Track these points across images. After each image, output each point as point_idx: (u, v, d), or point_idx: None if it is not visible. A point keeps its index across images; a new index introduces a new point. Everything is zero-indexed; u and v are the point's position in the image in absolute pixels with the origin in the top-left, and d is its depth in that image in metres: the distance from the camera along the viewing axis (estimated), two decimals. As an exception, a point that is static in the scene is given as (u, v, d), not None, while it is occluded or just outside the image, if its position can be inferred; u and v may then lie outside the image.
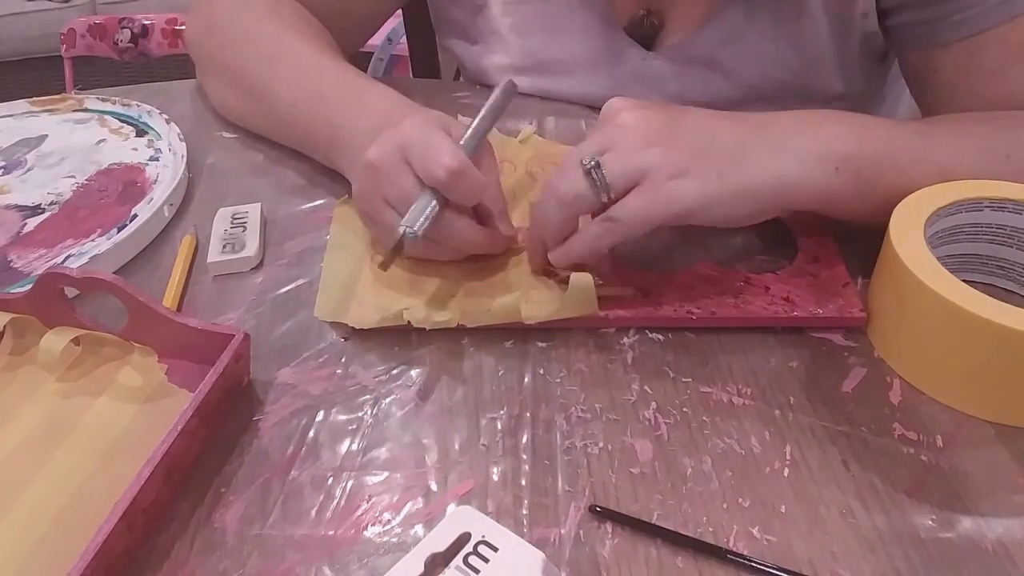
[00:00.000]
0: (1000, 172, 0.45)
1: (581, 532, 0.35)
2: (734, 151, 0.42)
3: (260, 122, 0.63)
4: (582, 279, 0.43)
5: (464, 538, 0.32)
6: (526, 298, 0.45)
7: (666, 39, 0.62)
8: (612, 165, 0.41)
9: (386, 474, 0.38)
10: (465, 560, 0.31)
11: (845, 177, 0.43)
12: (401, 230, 0.42)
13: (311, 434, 0.40)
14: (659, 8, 0.61)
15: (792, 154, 0.42)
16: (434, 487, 0.37)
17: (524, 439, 0.39)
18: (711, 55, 0.60)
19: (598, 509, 0.35)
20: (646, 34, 0.62)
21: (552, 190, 0.43)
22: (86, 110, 0.70)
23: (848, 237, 0.49)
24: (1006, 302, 0.37)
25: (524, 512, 0.36)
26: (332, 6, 0.67)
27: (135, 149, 0.64)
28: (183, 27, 1.21)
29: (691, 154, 0.41)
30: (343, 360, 0.44)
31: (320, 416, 0.41)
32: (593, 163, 0.40)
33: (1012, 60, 0.50)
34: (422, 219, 0.43)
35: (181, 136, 0.62)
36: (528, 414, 0.40)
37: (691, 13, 0.60)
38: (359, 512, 0.36)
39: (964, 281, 0.38)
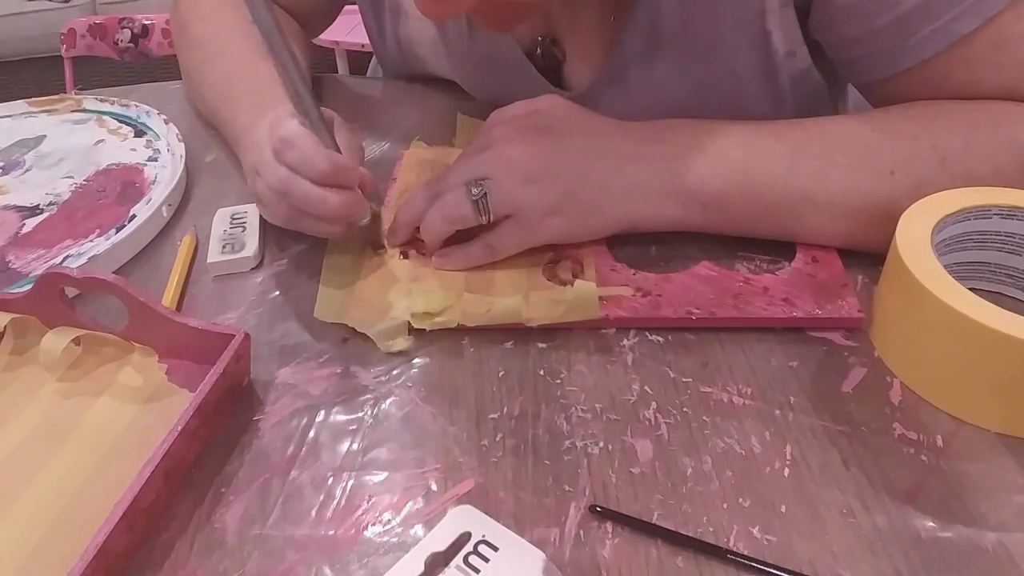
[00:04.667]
0: (879, 190, 0.45)
1: (581, 532, 0.35)
2: (597, 194, 0.47)
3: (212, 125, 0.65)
4: (586, 287, 0.43)
5: (464, 538, 0.32)
6: (527, 300, 0.45)
7: (571, 75, 0.61)
8: (495, 197, 0.46)
9: (386, 474, 0.38)
10: (465, 560, 0.31)
11: (692, 209, 0.47)
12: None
13: (311, 434, 0.40)
14: (558, 35, 0.60)
15: (645, 195, 0.47)
16: (434, 487, 0.37)
17: (524, 439, 0.39)
18: (624, 101, 0.58)
19: (598, 509, 0.35)
20: (548, 63, 0.61)
21: (440, 209, 0.47)
22: (84, 110, 0.70)
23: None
24: (1014, 312, 0.36)
25: (524, 512, 0.36)
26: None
27: (133, 149, 0.64)
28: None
29: (562, 195, 0.46)
30: (343, 360, 0.44)
31: (320, 416, 0.41)
32: (481, 195, 0.46)
33: (981, 69, 0.47)
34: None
35: (180, 136, 0.62)
36: (528, 414, 0.40)
37: (589, 45, 0.59)
38: (359, 512, 0.36)
39: (971, 290, 0.38)
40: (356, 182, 0.46)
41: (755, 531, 0.34)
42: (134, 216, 0.55)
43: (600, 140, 0.48)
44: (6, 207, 0.58)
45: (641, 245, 0.50)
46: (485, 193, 0.45)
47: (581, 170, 0.47)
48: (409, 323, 0.45)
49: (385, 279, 0.48)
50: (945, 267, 0.39)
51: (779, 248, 0.49)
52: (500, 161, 0.46)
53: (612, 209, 0.47)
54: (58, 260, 0.51)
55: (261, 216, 0.54)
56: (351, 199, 0.45)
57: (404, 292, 0.47)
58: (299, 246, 0.53)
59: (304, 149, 0.44)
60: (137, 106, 0.68)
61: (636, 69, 0.57)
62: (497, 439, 0.39)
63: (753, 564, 0.33)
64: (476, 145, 0.49)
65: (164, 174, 0.60)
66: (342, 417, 0.41)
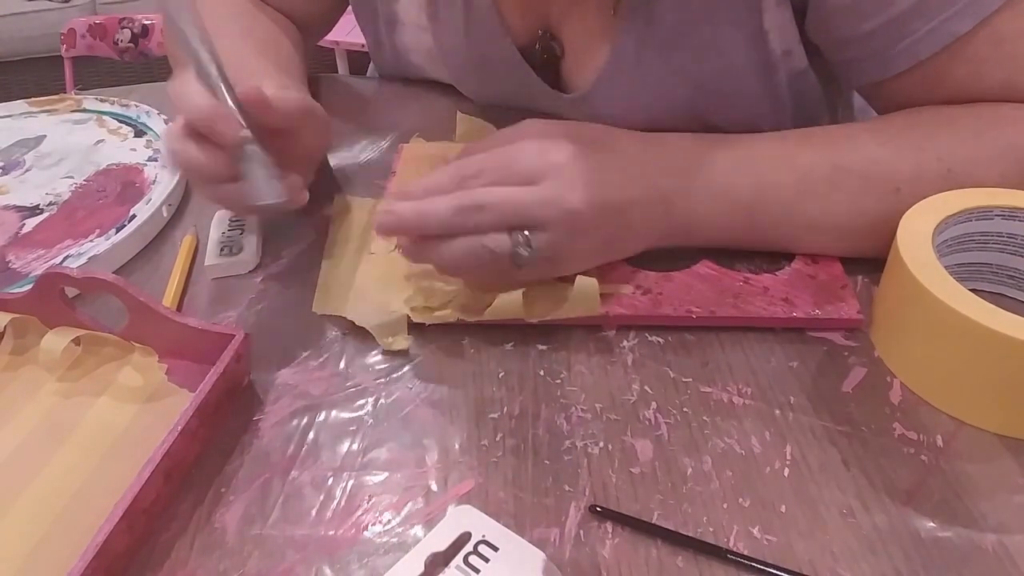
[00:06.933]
0: (884, 207, 0.44)
1: (581, 532, 0.35)
2: (633, 233, 0.46)
3: None
4: (586, 283, 0.43)
5: (464, 538, 0.32)
6: (527, 296, 0.45)
7: (569, 75, 0.61)
8: (541, 247, 0.42)
9: (386, 474, 0.38)
10: (465, 560, 0.31)
11: (697, 240, 0.48)
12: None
13: (311, 434, 0.40)
14: (557, 32, 0.60)
15: (659, 234, 0.47)
16: (434, 487, 0.37)
17: (524, 439, 0.39)
18: (624, 99, 0.58)
19: (598, 509, 0.35)
20: (547, 59, 0.60)
21: (474, 251, 0.42)
22: (84, 110, 0.70)
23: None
24: (1015, 313, 0.36)
25: (524, 512, 0.36)
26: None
27: (133, 149, 0.64)
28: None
29: (604, 244, 0.45)
30: (343, 360, 0.44)
31: (320, 416, 0.41)
32: (527, 253, 0.42)
33: (982, 66, 0.46)
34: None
35: (181, 136, 0.62)
36: (528, 414, 0.40)
37: (589, 43, 0.58)
38: (359, 512, 0.36)
39: (973, 291, 0.38)
40: (231, 130, 0.43)
41: (755, 531, 0.34)
42: (134, 216, 0.55)
43: (638, 176, 0.46)
44: (6, 207, 0.58)
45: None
46: (532, 250, 0.42)
47: (625, 215, 0.45)
48: (408, 317, 0.45)
49: (383, 273, 0.48)
50: (946, 268, 0.39)
51: (779, 248, 0.49)
52: (560, 214, 0.42)
53: (639, 244, 0.47)
54: (58, 260, 0.51)
55: (260, 219, 0.54)
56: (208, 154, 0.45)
57: (402, 286, 0.47)
58: (299, 246, 0.53)
59: (186, 98, 0.44)
60: (137, 106, 0.68)
61: (636, 66, 0.57)
62: (497, 439, 0.39)
63: (753, 564, 0.33)
64: (526, 164, 0.43)
65: (164, 174, 0.60)
66: (342, 417, 0.41)
